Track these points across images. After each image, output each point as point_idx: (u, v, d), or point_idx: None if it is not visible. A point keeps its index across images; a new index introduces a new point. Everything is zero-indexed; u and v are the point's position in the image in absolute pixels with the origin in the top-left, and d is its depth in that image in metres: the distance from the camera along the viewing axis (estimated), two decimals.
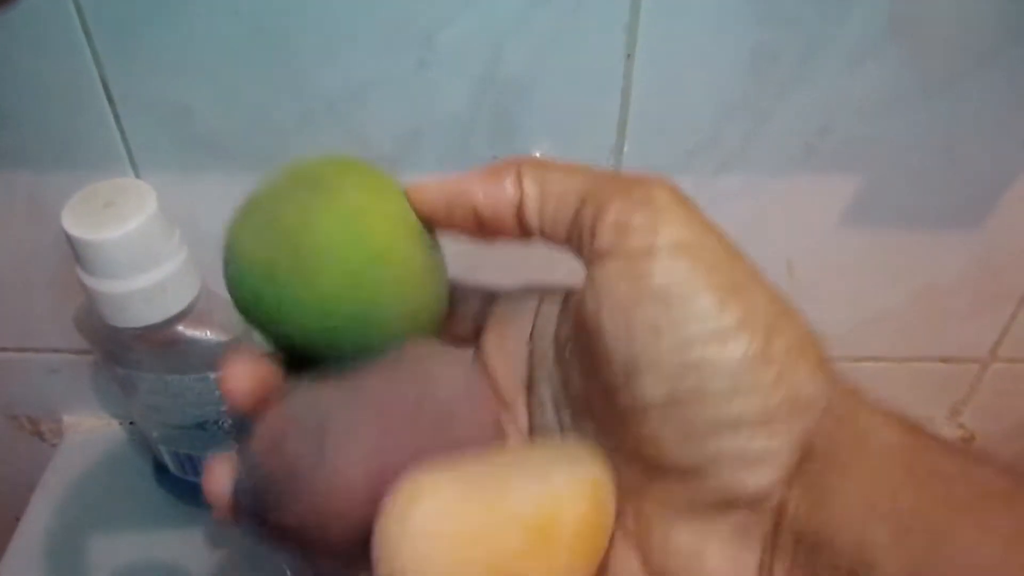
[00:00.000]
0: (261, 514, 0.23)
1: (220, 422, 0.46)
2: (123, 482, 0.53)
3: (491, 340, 0.28)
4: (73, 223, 0.36)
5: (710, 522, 0.23)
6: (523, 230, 0.25)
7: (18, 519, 0.51)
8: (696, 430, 0.21)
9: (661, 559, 0.23)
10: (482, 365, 0.28)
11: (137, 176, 0.42)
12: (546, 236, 0.24)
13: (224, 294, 0.42)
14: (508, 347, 0.28)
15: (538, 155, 0.41)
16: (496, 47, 0.37)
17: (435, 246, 0.26)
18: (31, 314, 0.50)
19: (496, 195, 0.24)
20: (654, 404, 0.22)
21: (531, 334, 0.27)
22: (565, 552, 0.22)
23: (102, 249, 0.36)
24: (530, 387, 0.27)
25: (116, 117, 0.40)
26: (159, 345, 0.42)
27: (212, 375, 0.43)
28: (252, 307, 0.24)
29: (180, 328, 0.41)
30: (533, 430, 0.27)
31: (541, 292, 0.28)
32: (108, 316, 0.39)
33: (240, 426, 0.46)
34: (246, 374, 0.24)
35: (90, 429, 0.56)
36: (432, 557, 0.20)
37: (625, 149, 0.41)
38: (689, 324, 0.21)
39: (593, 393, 0.24)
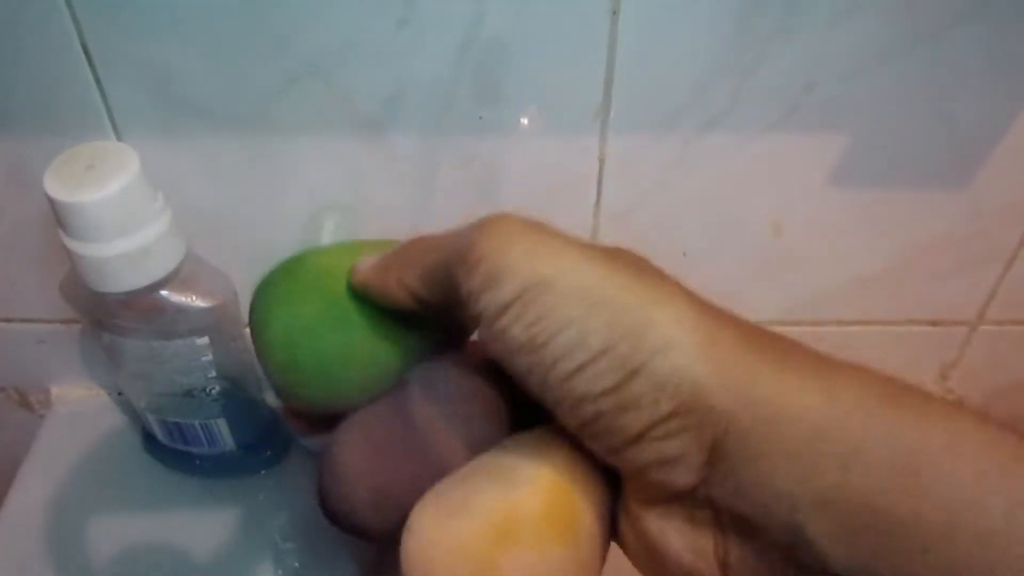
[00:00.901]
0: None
1: (208, 389, 0.46)
2: (112, 452, 0.53)
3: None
4: (54, 186, 0.36)
5: (668, 512, 0.24)
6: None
7: (7, 490, 0.51)
8: (614, 445, 0.22)
9: (641, 540, 0.25)
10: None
11: (118, 139, 0.42)
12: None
13: (209, 259, 0.43)
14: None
15: (525, 121, 0.41)
16: (478, 5, 0.37)
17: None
18: (17, 285, 0.50)
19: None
20: (576, 427, 0.23)
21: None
22: (533, 540, 0.24)
23: (84, 212, 0.36)
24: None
25: (97, 81, 0.40)
26: (144, 311, 0.41)
27: (198, 341, 0.43)
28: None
29: (165, 293, 0.41)
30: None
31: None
32: (92, 281, 0.39)
33: (229, 395, 0.46)
34: None
35: (78, 399, 0.56)
36: (432, 562, 0.24)
37: (612, 109, 0.41)
38: (556, 367, 0.22)
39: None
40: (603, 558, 0.26)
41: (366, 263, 0.29)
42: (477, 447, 0.28)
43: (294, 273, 0.31)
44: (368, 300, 0.29)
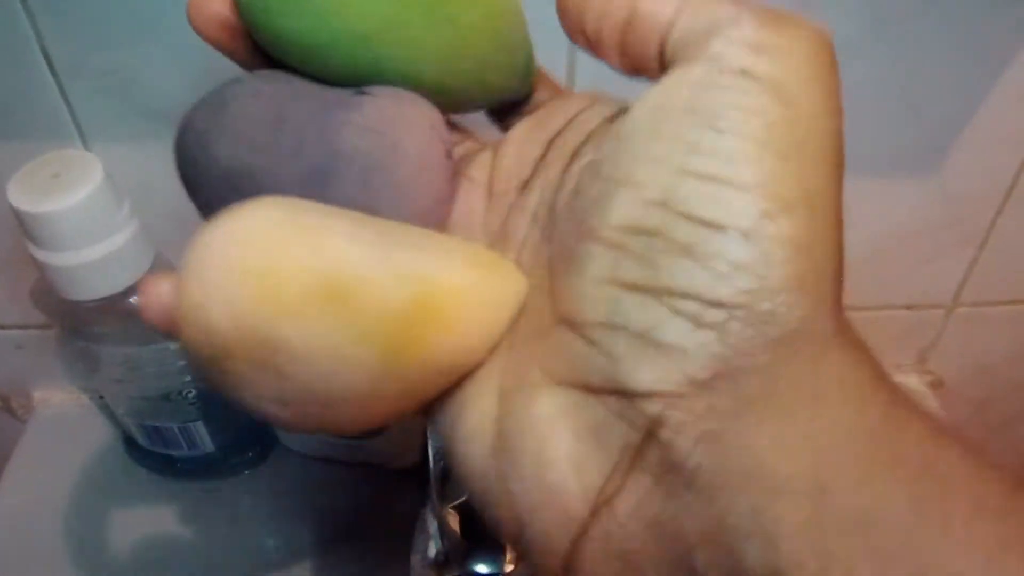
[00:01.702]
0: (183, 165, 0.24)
1: (184, 392, 0.46)
2: (95, 455, 0.53)
3: (518, 130, 0.25)
4: (19, 196, 0.36)
5: (577, 405, 0.19)
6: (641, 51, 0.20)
7: None
8: (629, 289, 0.18)
9: (512, 422, 0.20)
10: (492, 150, 0.25)
11: (86, 148, 0.42)
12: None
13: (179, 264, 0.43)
14: (529, 141, 0.24)
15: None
16: None
17: None
18: None
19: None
20: (609, 237, 0.18)
21: (554, 137, 0.24)
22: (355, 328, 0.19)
23: (49, 221, 0.36)
24: (523, 189, 0.24)
25: (61, 89, 0.40)
26: (117, 317, 0.42)
27: (172, 346, 0.43)
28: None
29: (136, 299, 0.41)
30: (502, 235, 0.24)
31: (592, 99, 0.24)
32: (62, 289, 0.39)
33: (206, 397, 0.46)
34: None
35: (60, 403, 0.56)
36: (214, 263, 0.18)
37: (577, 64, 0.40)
38: (709, 160, 0.17)
39: (570, 214, 0.21)
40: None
41: None
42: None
43: None
44: None
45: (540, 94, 0.27)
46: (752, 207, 0.17)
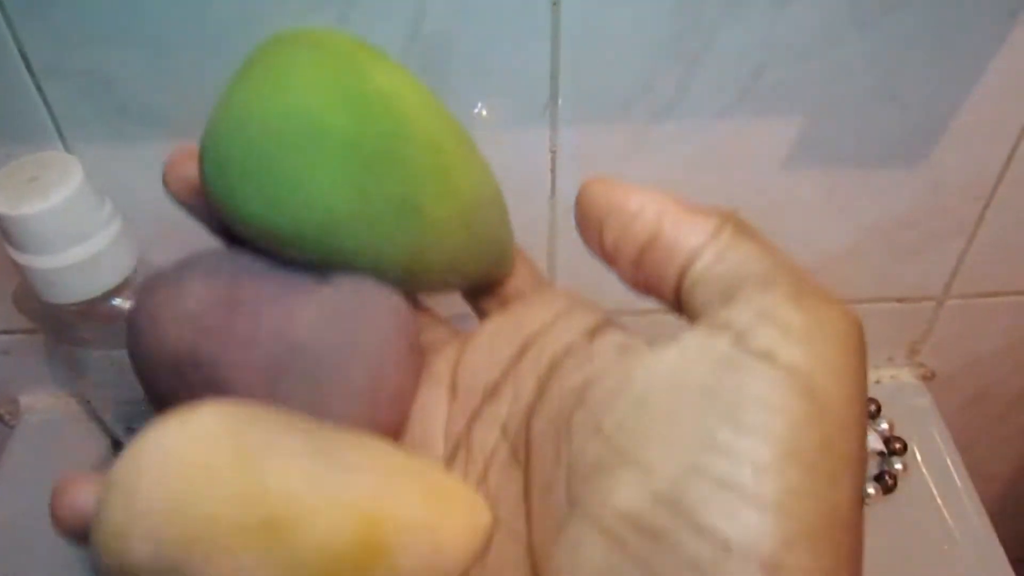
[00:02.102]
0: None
1: None
2: (83, 460, 0.53)
3: (490, 325, 0.24)
4: None
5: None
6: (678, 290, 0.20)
7: None
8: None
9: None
10: (459, 343, 0.25)
11: (67, 149, 0.42)
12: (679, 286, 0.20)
13: (162, 266, 0.42)
14: (500, 338, 0.23)
15: (483, 112, 0.41)
16: (418, 0, 0.37)
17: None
18: None
19: (690, 228, 0.19)
20: (609, 526, 0.17)
21: (529, 340, 0.23)
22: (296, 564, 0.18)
23: (28, 224, 0.36)
24: (492, 395, 0.23)
25: (39, 90, 0.39)
26: (101, 321, 0.41)
27: None
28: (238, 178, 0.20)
29: (119, 302, 0.40)
30: (465, 444, 0.23)
31: (572, 303, 0.23)
32: (43, 293, 0.39)
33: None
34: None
35: (47, 408, 0.56)
36: (141, 489, 0.17)
37: (560, 100, 0.40)
38: (727, 464, 0.16)
39: (555, 456, 0.20)
40: None
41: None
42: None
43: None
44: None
45: (518, 279, 0.26)
46: (771, 533, 0.15)
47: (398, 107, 0.21)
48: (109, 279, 0.39)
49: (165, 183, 0.23)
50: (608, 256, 0.21)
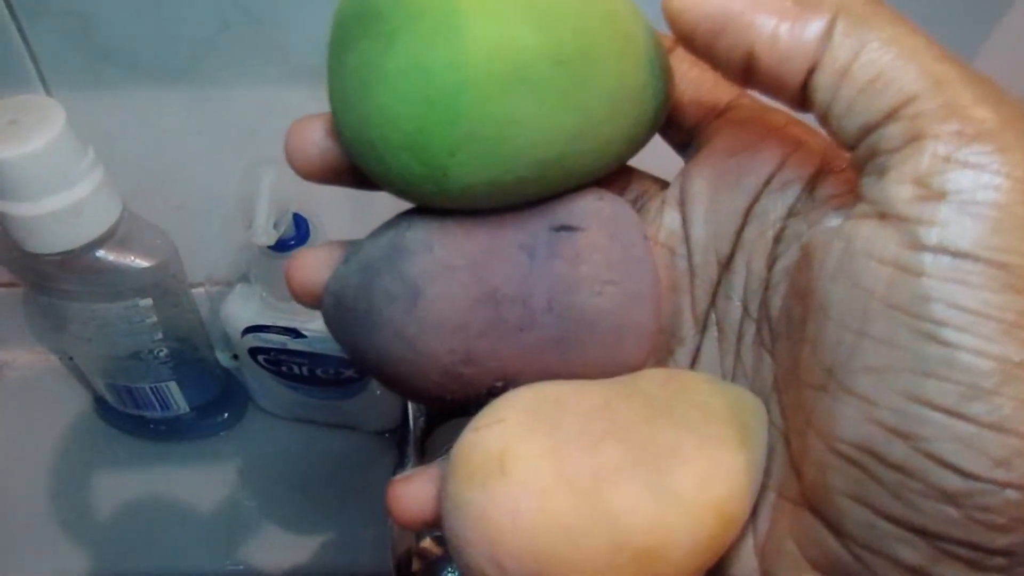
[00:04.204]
0: (340, 329, 0.22)
1: (155, 351, 0.45)
2: (64, 417, 0.52)
3: (698, 184, 0.22)
4: None
5: None
6: (802, 101, 0.18)
7: None
8: (884, 519, 0.17)
9: None
10: (665, 202, 0.22)
11: (48, 94, 0.40)
12: (827, 126, 0.18)
13: (148, 218, 0.41)
14: (718, 203, 0.21)
15: None
16: None
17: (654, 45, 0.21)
18: None
19: (788, 45, 0.17)
20: (846, 452, 0.17)
21: (750, 207, 0.21)
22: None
23: (6, 169, 0.34)
24: (725, 268, 0.22)
25: (20, 31, 0.38)
26: (82, 272, 0.40)
27: (141, 302, 0.42)
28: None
29: (101, 253, 0.39)
30: (705, 326, 0.22)
31: (784, 153, 0.21)
32: (23, 242, 0.37)
33: (178, 356, 0.45)
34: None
35: (27, 364, 0.54)
36: (513, 547, 0.18)
37: None
38: (950, 390, 0.15)
39: (790, 342, 0.19)
40: None
41: None
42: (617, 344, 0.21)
43: None
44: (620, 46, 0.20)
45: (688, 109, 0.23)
46: (1014, 458, 0.15)
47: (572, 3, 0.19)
48: (92, 229, 0.38)
49: (291, 160, 0.22)
50: (720, 70, 0.19)
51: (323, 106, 0.42)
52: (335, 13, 0.20)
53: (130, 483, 0.49)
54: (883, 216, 0.16)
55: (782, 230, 0.20)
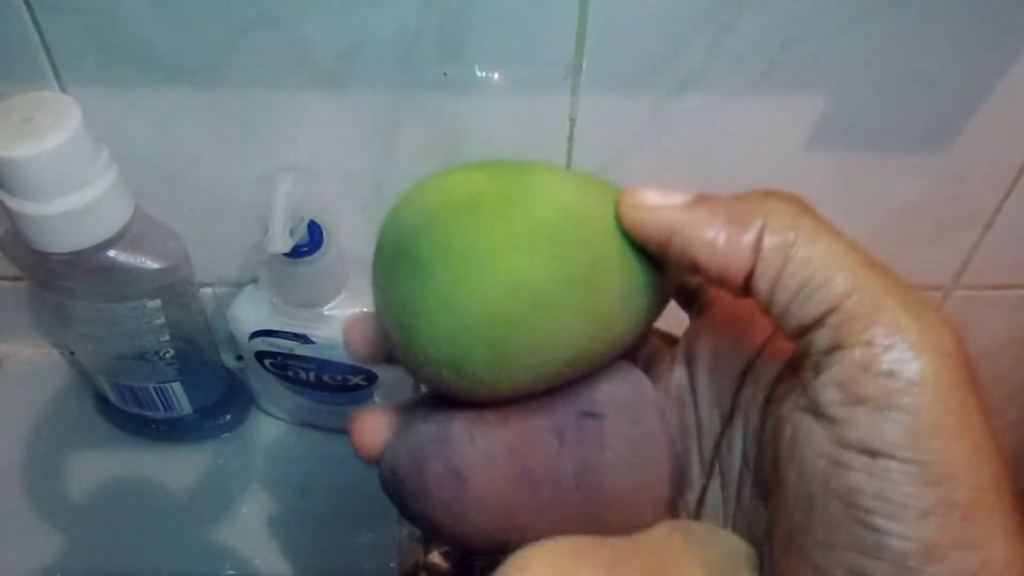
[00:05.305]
0: (395, 495, 0.24)
1: (161, 352, 0.44)
2: (64, 413, 0.51)
3: (703, 347, 0.25)
4: None
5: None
6: (746, 295, 0.20)
7: None
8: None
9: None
10: (675, 360, 0.25)
11: (63, 90, 0.40)
12: (773, 321, 0.20)
13: (160, 218, 0.41)
14: (721, 362, 0.24)
15: (496, 76, 0.39)
16: None
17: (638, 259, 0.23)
18: None
19: (724, 256, 0.20)
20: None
21: (745, 372, 0.23)
22: None
23: (20, 167, 0.34)
24: (727, 423, 0.24)
25: (37, 25, 0.37)
26: (91, 272, 0.39)
27: (150, 303, 0.41)
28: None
29: (112, 254, 0.39)
30: (711, 473, 0.24)
31: (769, 332, 0.23)
32: (34, 240, 0.37)
33: (184, 358, 0.44)
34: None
35: (28, 359, 0.54)
36: None
37: (583, 66, 0.39)
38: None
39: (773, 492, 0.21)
40: None
41: (658, 200, 0.21)
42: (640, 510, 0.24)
43: (509, 205, 0.21)
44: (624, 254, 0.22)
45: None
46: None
47: (586, 225, 0.22)
48: (104, 230, 0.38)
49: (348, 346, 0.25)
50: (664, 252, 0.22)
51: (341, 112, 0.41)
52: (379, 238, 0.23)
53: (130, 483, 0.48)
54: (816, 413, 0.19)
55: (770, 395, 0.22)
